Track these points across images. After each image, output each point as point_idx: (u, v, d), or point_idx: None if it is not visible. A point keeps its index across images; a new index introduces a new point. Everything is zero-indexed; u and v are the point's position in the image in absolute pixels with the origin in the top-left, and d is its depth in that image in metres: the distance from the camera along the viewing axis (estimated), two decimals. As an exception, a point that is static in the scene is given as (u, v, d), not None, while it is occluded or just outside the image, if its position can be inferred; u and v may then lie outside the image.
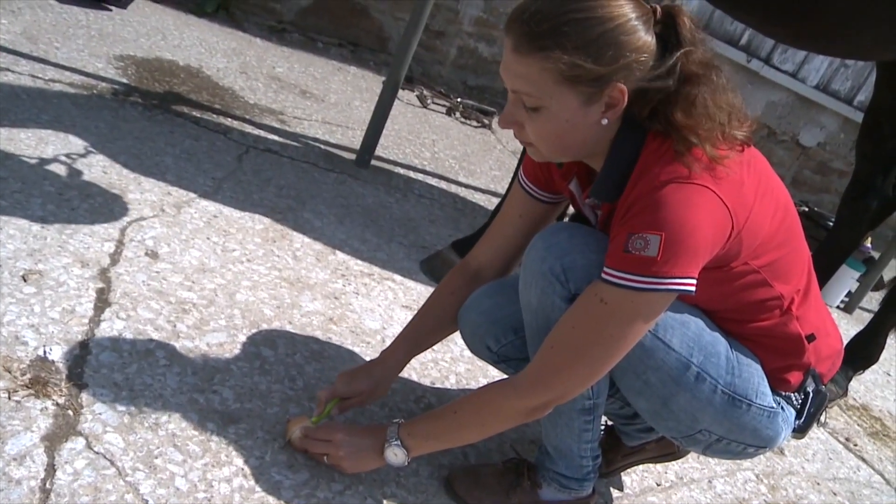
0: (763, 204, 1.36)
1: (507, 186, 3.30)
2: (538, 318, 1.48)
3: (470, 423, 1.49)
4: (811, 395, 1.59)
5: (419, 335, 1.77)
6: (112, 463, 1.38)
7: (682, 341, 1.44)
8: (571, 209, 1.69)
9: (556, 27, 1.25)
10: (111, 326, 1.71)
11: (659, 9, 1.31)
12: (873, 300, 3.30)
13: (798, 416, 1.59)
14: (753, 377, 1.51)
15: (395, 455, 1.52)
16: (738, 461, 2.29)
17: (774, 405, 1.54)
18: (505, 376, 1.66)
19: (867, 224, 3.19)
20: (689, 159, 1.29)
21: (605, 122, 1.33)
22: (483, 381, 2.12)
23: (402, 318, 2.25)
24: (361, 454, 1.54)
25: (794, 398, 1.58)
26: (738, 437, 1.55)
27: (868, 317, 3.41)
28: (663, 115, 1.32)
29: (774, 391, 1.55)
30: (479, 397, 1.49)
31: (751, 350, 1.53)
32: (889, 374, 3.81)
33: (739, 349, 1.51)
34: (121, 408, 1.51)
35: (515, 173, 2.55)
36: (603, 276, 1.32)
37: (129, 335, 1.71)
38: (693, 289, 1.29)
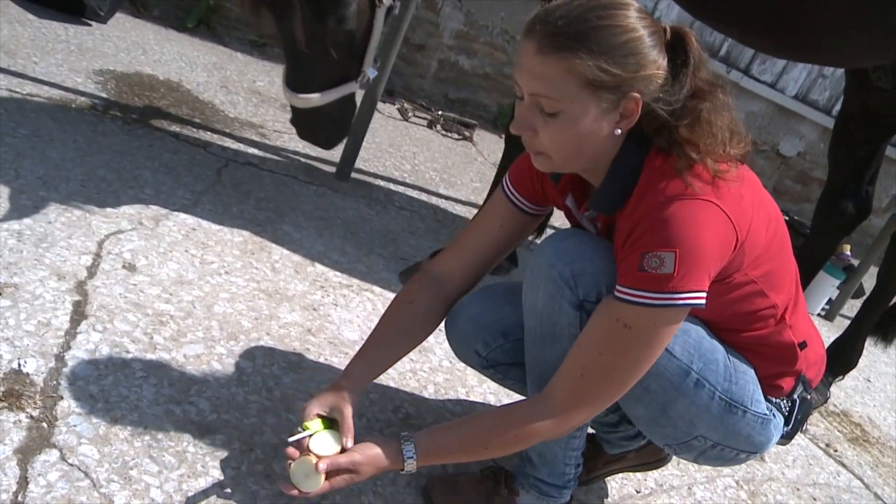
0: (759, 216, 1.40)
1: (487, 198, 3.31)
2: (543, 323, 1.48)
3: (494, 443, 1.44)
4: (798, 402, 1.63)
5: (378, 349, 1.64)
6: (86, 475, 1.38)
7: (684, 348, 1.46)
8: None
9: (583, 31, 1.26)
10: (87, 339, 1.71)
11: (668, 28, 1.35)
12: (854, 308, 3.32)
13: (786, 423, 1.63)
14: (749, 384, 1.54)
15: (411, 469, 1.46)
16: (719, 469, 2.31)
17: (767, 412, 1.57)
18: (491, 382, 1.68)
19: (842, 230, 3.22)
20: (692, 175, 1.32)
21: (618, 132, 1.35)
22: (462, 391, 2.13)
23: (381, 329, 2.26)
24: (380, 471, 1.47)
25: (783, 405, 1.61)
26: (732, 443, 1.58)
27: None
28: (668, 131, 1.34)
29: (766, 398, 1.58)
30: (506, 418, 1.45)
31: (746, 358, 1.56)
32: (869, 381, 3.84)
33: (735, 356, 1.54)
34: (96, 419, 1.50)
35: (494, 185, 2.58)
36: (618, 295, 1.34)
37: (105, 347, 1.70)
38: (704, 302, 1.32)
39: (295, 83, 2.52)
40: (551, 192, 1.64)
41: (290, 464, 1.40)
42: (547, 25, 1.28)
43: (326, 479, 1.38)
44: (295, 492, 1.38)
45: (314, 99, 2.52)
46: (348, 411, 1.49)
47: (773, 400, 1.60)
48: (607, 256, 1.43)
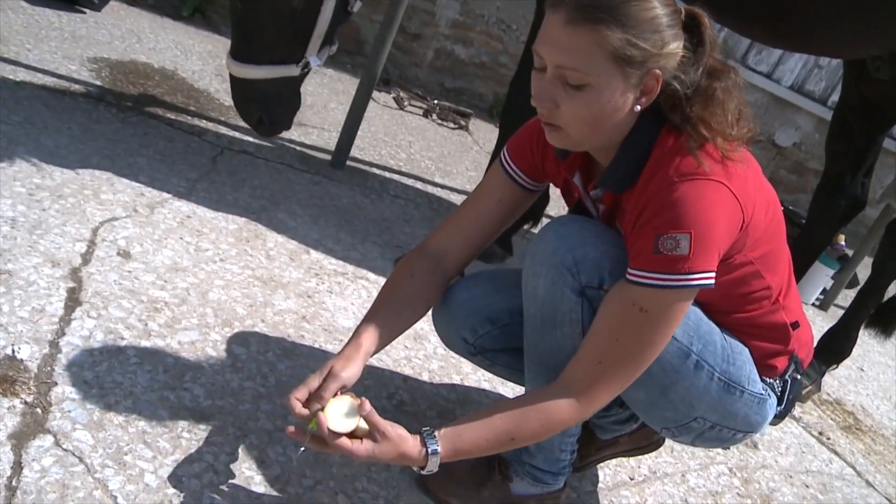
0: (759, 198, 1.42)
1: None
2: (544, 308, 1.49)
3: (521, 434, 1.43)
4: (790, 381, 1.67)
5: (384, 320, 1.58)
6: (80, 460, 1.38)
7: (683, 330, 1.47)
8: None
9: (614, 4, 1.27)
10: (82, 325, 1.71)
11: (683, 9, 1.37)
12: (848, 297, 3.34)
13: (779, 403, 1.66)
14: (745, 364, 1.57)
15: (432, 466, 1.42)
16: (712, 456, 2.32)
17: (763, 392, 1.60)
18: (481, 370, 1.68)
19: (838, 221, 3.24)
20: (702, 154, 1.34)
21: (637, 108, 1.36)
22: (456, 378, 2.13)
23: (376, 317, 2.26)
24: (398, 458, 1.42)
25: (776, 385, 1.64)
26: (729, 423, 1.60)
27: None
28: (682, 109, 1.37)
29: (761, 378, 1.61)
30: (530, 409, 1.43)
31: (740, 339, 1.58)
32: (862, 370, 3.85)
33: (731, 337, 1.56)
34: (90, 405, 1.51)
35: (491, 162, 2.58)
36: (632, 278, 1.35)
37: (99, 334, 1.71)
38: (714, 281, 1.34)
39: (234, 51, 2.57)
40: (552, 169, 1.64)
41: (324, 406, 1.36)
42: None
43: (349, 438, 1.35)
44: (325, 429, 1.32)
45: (249, 70, 2.56)
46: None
47: (767, 380, 1.62)
48: (609, 242, 1.45)
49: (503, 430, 1.42)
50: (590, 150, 1.49)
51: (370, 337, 1.53)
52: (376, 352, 1.56)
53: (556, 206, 3.44)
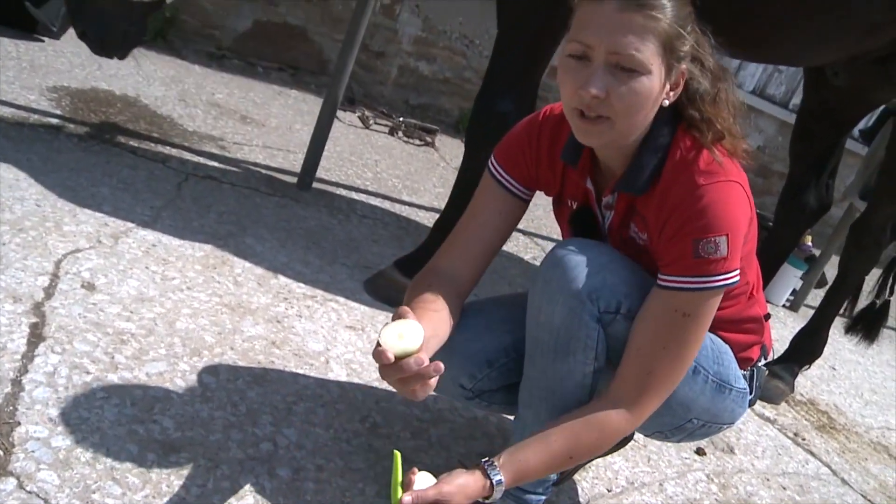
0: None
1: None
2: (559, 336, 1.47)
3: (579, 451, 1.45)
4: (756, 370, 1.75)
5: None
6: (46, 501, 1.35)
7: None
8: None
9: None
10: (45, 361, 1.68)
11: None
12: (818, 297, 3.38)
13: (749, 391, 1.73)
14: (732, 363, 1.64)
15: (498, 495, 1.41)
16: (689, 463, 2.33)
17: (745, 386, 1.68)
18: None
19: (804, 222, 3.30)
20: (718, 153, 1.41)
21: (666, 103, 1.41)
22: (430, 397, 2.12)
23: (346, 339, 2.25)
24: (469, 500, 1.39)
25: (746, 375, 1.71)
26: (718, 419, 1.67)
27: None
28: (697, 107, 1.43)
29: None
30: (584, 427, 1.44)
31: (722, 335, 1.64)
32: (834, 369, 3.89)
33: (713, 336, 1.60)
34: (56, 444, 1.48)
35: (456, 189, 2.57)
36: (672, 285, 1.41)
37: (64, 369, 1.68)
38: (739, 278, 1.43)
39: None
40: (546, 177, 1.64)
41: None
42: None
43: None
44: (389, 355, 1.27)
45: None
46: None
47: (743, 372, 1.69)
48: (622, 265, 1.49)
49: (561, 450, 1.44)
50: (609, 151, 1.49)
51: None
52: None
53: (539, 221, 3.44)
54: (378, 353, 1.27)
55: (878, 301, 3.34)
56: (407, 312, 1.35)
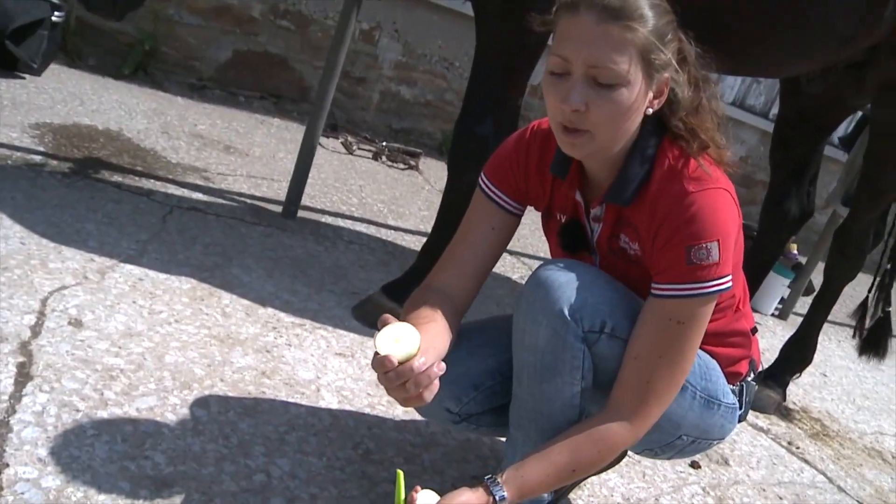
0: None
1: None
2: (544, 358, 1.48)
3: (582, 465, 1.46)
4: (745, 385, 1.75)
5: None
6: (39, 542, 1.35)
7: None
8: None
9: (637, 5, 1.33)
10: (34, 401, 1.67)
11: None
12: (806, 305, 3.40)
13: (739, 406, 1.73)
14: (720, 378, 1.64)
15: None
16: (685, 477, 2.33)
17: (734, 401, 1.68)
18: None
19: (787, 230, 3.33)
20: (704, 162, 1.42)
21: (649, 111, 1.42)
22: (421, 422, 2.11)
23: (336, 366, 2.24)
24: None
25: (736, 390, 1.71)
26: (708, 435, 1.67)
27: (802, 322, 3.50)
28: (680, 117, 1.44)
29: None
30: (586, 440, 1.45)
31: (709, 349, 1.64)
32: (825, 375, 3.91)
33: (701, 351, 1.60)
34: (46, 484, 1.47)
35: (442, 212, 2.57)
36: (664, 293, 1.42)
37: (53, 408, 1.67)
38: (732, 284, 1.44)
39: None
40: (536, 190, 1.66)
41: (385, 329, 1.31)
42: None
43: None
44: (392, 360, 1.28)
45: None
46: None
47: (731, 387, 1.69)
48: (604, 284, 1.49)
49: (563, 464, 1.44)
50: (597, 162, 1.51)
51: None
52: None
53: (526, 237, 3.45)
54: (380, 360, 1.28)
55: (880, 315, 3.30)
56: (390, 318, 1.36)
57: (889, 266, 3.23)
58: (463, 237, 1.69)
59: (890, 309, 3.28)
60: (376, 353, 1.28)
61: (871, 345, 3.30)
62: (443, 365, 1.33)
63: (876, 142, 2.83)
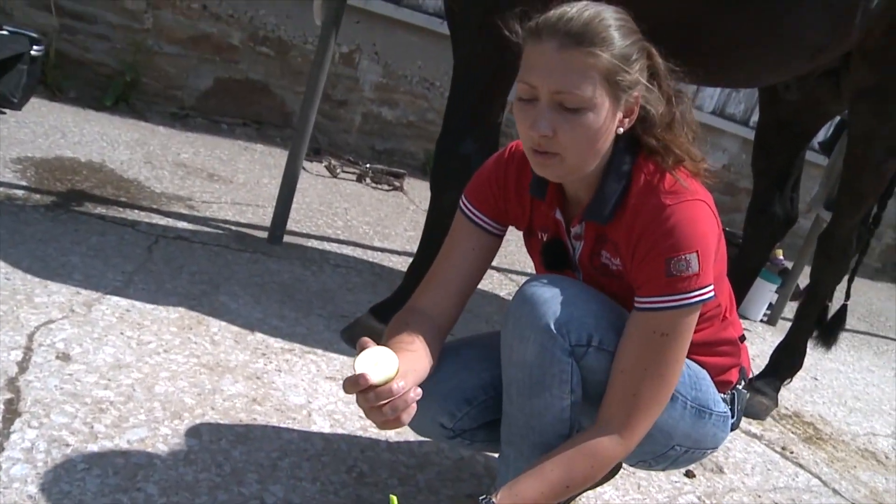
0: None
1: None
2: (533, 373, 1.48)
3: (575, 481, 1.46)
4: (736, 394, 1.75)
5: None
6: (32, 579, 1.33)
7: None
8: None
9: (600, 29, 1.34)
10: (22, 437, 1.66)
11: None
12: (794, 310, 3.41)
13: (731, 415, 1.74)
14: (710, 387, 1.65)
15: None
16: (679, 487, 2.33)
17: (725, 410, 1.69)
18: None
19: (772, 237, 3.36)
20: (680, 175, 1.44)
21: (620, 131, 1.43)
22: (415, 443, 2.11)
23: (327, 390, 2.24)
24: None
25: (727, 399, 1.72)
26: (701, 444, 1.68)
27: (791, 327, 3.51)
28: (653, 133, 1.45)
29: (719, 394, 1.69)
30: (577, 456, 1.45)
31: (698, 359, 1.65)
32: (816, 379, 3.92)
33: (690, 361, 1.61)
34: (38, 520, 1.46)
35: (427, 231, 2.58)
36: (647, 306, 1.43)
37: (42, 443, 1.66)
38: (714, 294, 1.45)
39: None
40: (515, 211, 1.67)
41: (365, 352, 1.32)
42: (566, 24, 1.34)
43: None
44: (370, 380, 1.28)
45: None
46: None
47: (722, 395, 1.70)
48: (590, 298, 1.50)
49: (557, 480, 1.44)
50: (573, 182, 1.52)
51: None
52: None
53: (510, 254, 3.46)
54: (353, 379, 1.28)
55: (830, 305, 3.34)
56: (369, 342, 1.36)
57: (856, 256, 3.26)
58: (445, 257, 1.71)
59: (847, 302, 3.32)
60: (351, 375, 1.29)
61: (826, 334, 3.33)
62: (419, 390, 1.34)
63: (854, 146, 2.86)
